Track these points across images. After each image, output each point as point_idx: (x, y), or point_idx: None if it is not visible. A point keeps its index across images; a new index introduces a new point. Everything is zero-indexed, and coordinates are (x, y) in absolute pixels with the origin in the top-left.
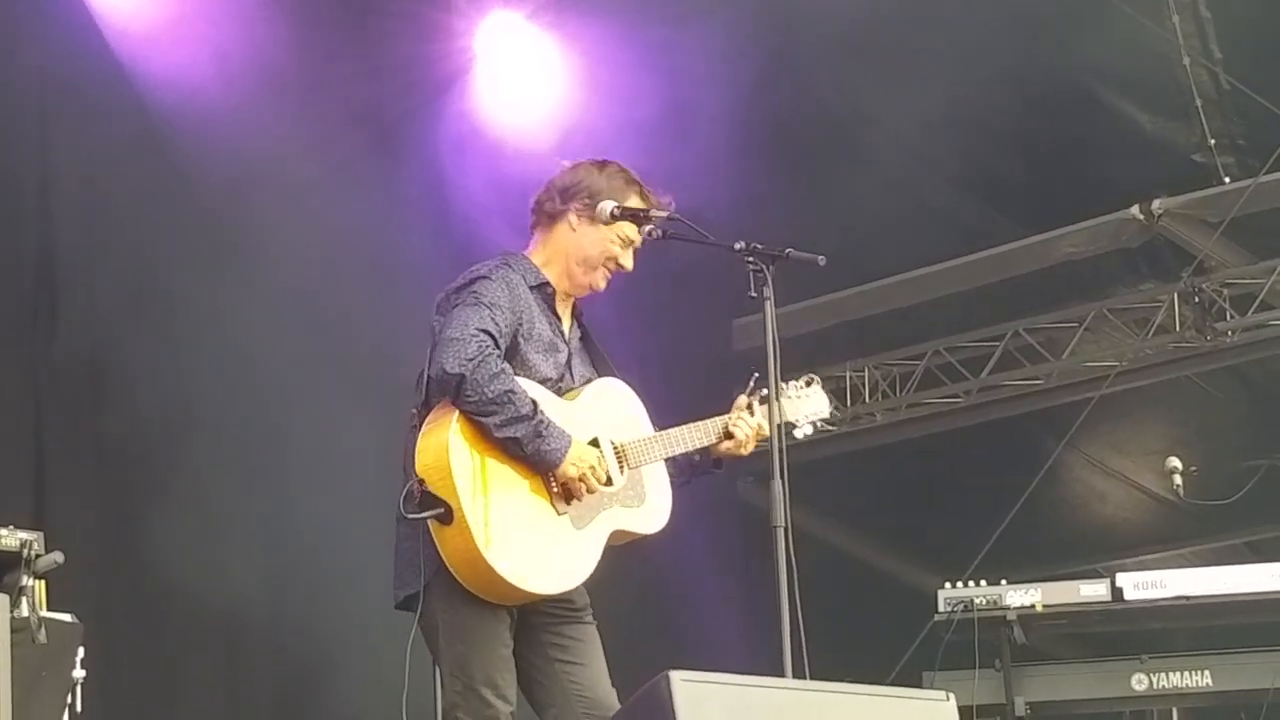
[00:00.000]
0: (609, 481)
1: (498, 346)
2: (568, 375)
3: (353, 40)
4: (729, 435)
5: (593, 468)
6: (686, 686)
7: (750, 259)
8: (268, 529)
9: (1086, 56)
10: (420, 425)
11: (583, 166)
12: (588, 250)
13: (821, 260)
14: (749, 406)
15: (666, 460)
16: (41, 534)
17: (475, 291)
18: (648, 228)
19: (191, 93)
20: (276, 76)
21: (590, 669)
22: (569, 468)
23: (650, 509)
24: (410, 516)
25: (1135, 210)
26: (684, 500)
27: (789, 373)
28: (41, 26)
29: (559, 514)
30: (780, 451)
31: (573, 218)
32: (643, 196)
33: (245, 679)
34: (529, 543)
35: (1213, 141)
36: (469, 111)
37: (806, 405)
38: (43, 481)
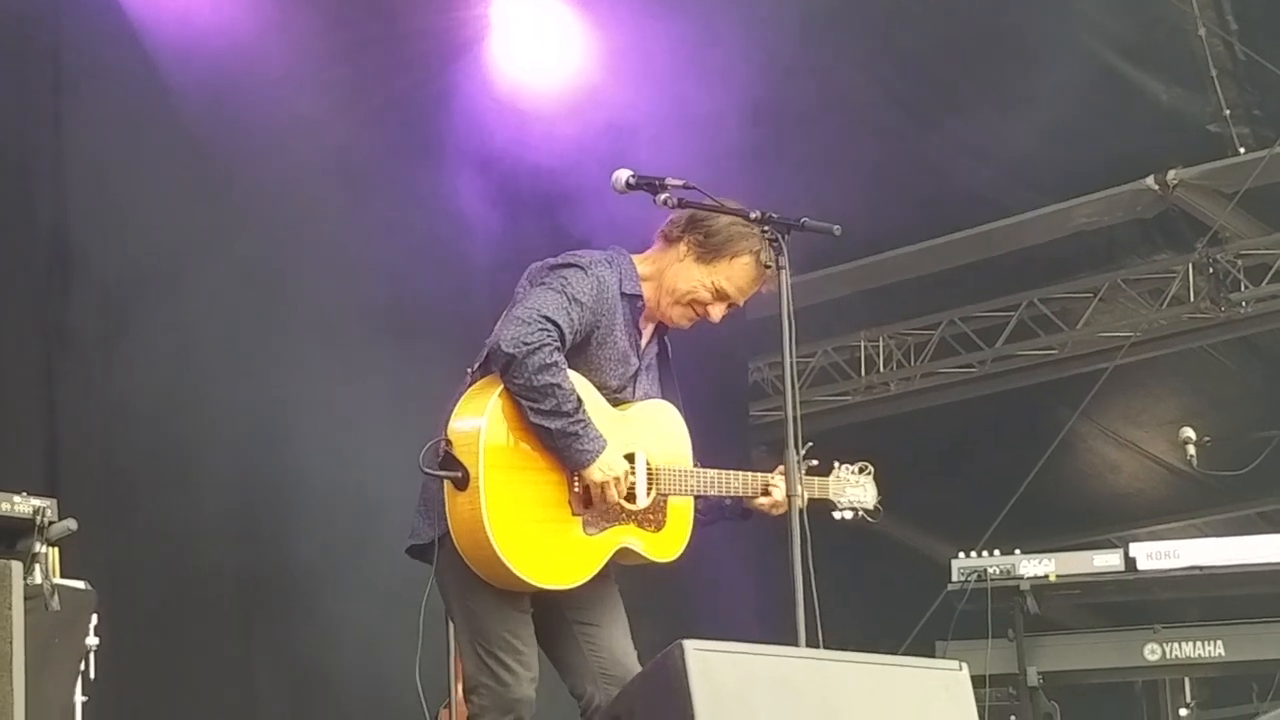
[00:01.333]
0: (632, 498)
1: (562, 339)
2: (630, 388)
3: (368, 7)
4: (765, 492)
5: (618, 479)
6: (700, 656)
7: (765, 228)
8: (282, 495)
9: (1103, 27)
10: (470, 385)
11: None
12: (679, 284)
13: (837, 230)
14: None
15: (696, 497)
16: (55, 501)
17: (565, 278)
18: (663, 196)
19: (207, 63)
20: (290, 45)
21: (607, 629)
22: (595, 471)
23: (665, 538)
24: (427, 472)
25: (1150, 180)
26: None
27: (801, 343)
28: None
29: (573, 514)
30: (794, 420)
31: (683, 248)
32: (757, 260)
33: (259, 645)
34: (534, 531)
35: (1228, 112)
36: (484, 79)
37: (853, 491)
38: (55, 449)
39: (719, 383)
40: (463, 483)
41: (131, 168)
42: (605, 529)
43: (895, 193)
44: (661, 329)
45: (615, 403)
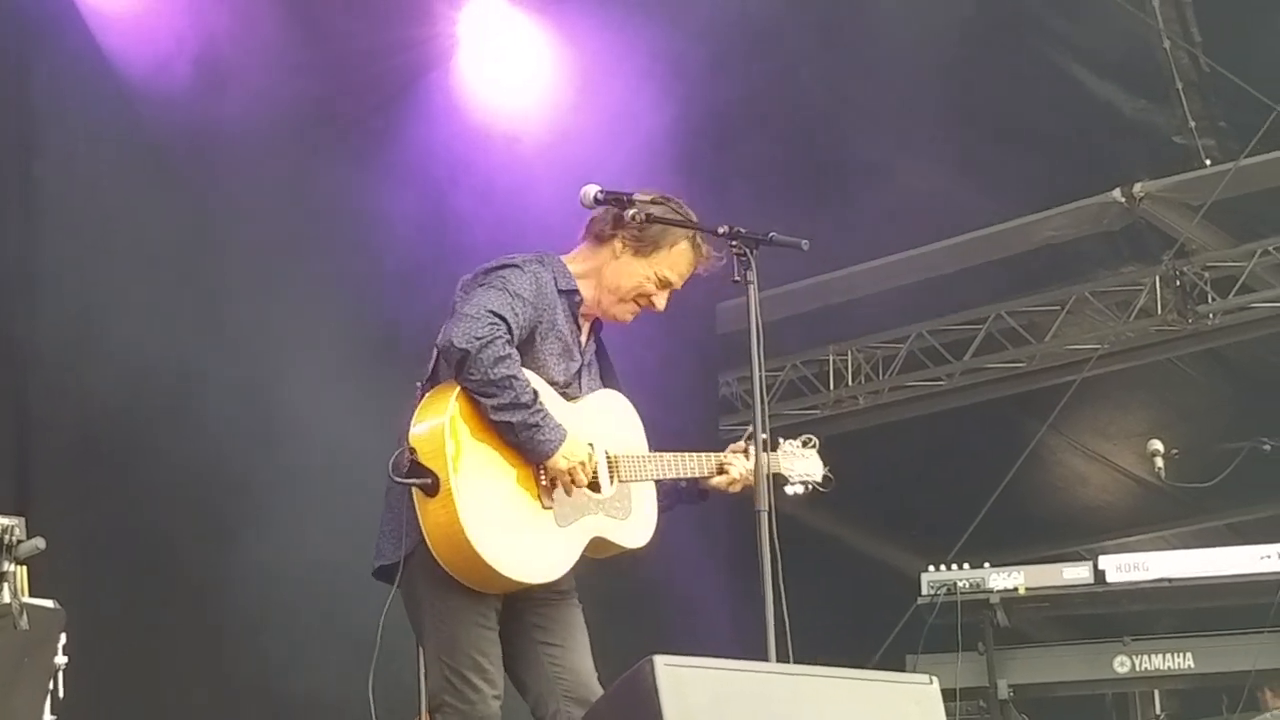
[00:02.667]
0: (597, 487)
1: (510, 334)
2: (576, 384)
3: (337, 22)
4: (721, 471)
5: (582, 464)
6: (670, 671)
7: (734, 242)
8: (255, 512)
9: (1069, 41)
10: (422, 398)
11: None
12: (622, 281)
13: (805, 244)
14: (745, 451)
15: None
16: (23, 519)
17: (503, 277)
18: (630, 211)
19: (173, 82)
20: (259, 59)
21: (572, 651)
22: (559, 460)
23: (634, 524)
24: (397, 480)
25: (1117, 193)
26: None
27: (770, 357)
28: (21, 9)
29: (544, 507)
30: (764, 435)
31: (618, 244)
32: (694, 244)
33: (230, 664)
34: (509, 527)
35: (1193, 124)
36: (452, 95)
37: (801, 465)
38: (25, 466)
39: (688, 397)
40: (433, 489)
41: (99, 185)
42: (577, 519)
43: (862, 206)
44: (597, 326)
45: (565, 398)
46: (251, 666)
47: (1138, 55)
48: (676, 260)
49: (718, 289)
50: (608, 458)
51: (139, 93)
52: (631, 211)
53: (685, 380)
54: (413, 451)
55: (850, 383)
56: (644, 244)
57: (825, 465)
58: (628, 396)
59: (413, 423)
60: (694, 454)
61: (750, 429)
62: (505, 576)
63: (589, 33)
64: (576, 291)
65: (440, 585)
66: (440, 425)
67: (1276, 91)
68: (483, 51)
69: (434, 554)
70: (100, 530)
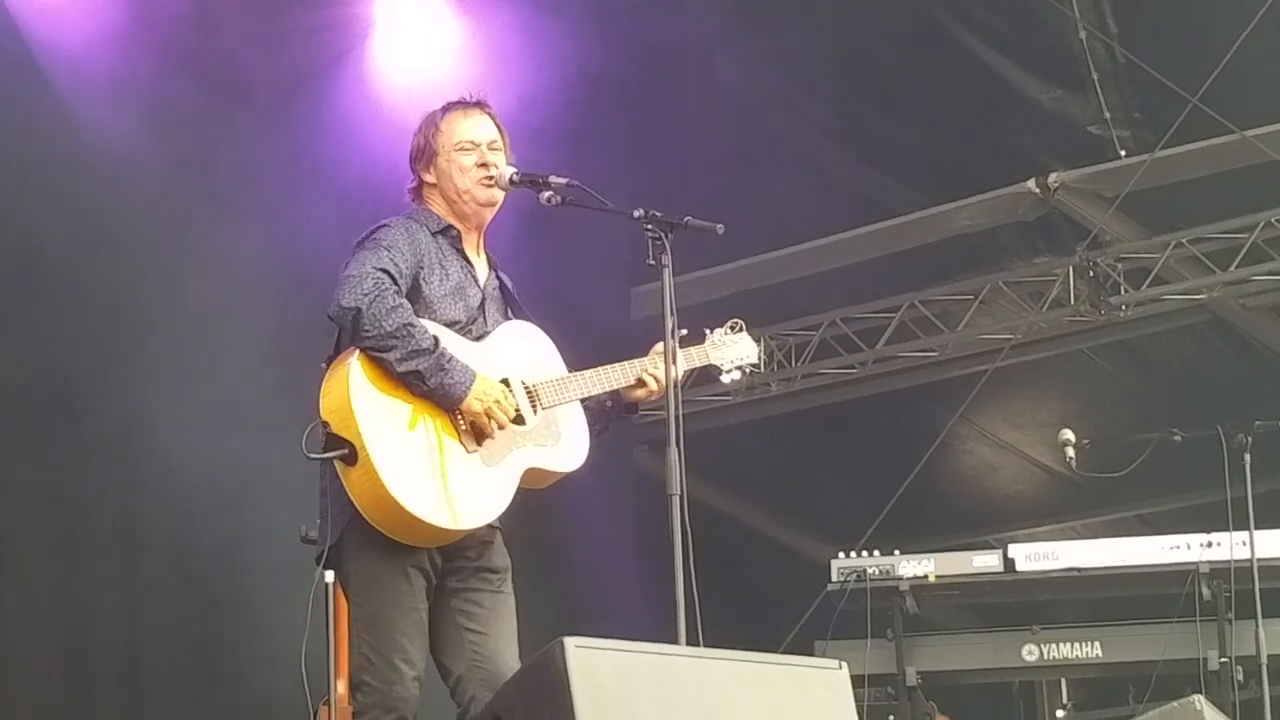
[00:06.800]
0: (520, 420)
1: (396, 284)
2: (480, 319)
3: (249, 6)
4: (642, 382)
5: (498, 401)
6: (580, 653)
7: (649, 226)
8: (175, 536)
9: (984, 28)
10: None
11: (414, 135)
12: (455, 182)
13: (720, 229)
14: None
15: (583, 406)
16: None
17: (375, 238)
18: (546, 194)
19: (91, 65)
20: (172, 45)
21: (495, 640)
22: (473, 402)
23: (566, 447)
24: (312, 456)
25: (1031, 184)
26: (581, 468)
27: (685, 340)
28: None
29: (469, 452)
30: (676, 419)
31: (428, 175)
32: (450, 110)
33: (143, 638)
34: (436, 479)
35: (1108, 115)
36: (366, 79)
37: (733, 350)
38: None
39: None
40: (351, 458)
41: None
42: (505, 456)
43: (777, 193)
44: (493, 264)
45: (470, 336)
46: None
47: (1054, 45)
48: (456, 131)
49: (633, 273)
50: (526, 387)
51: (59, 82)
52: (548, 194)
53: (596, 364)
54: (325, 425)
55: (763, 369)
56: (429, 151)
57: (758, 344)
58: (534, 323)
59: (321, 396)
60: (613, 365)
61: (661, 344)
62: (442, 528)
63: (501, 13)
64: (451, 227)
65: (369, 561)
66: (344, 392)
67: (1192, 83)
68: (396, 34)
69: (370, 520)
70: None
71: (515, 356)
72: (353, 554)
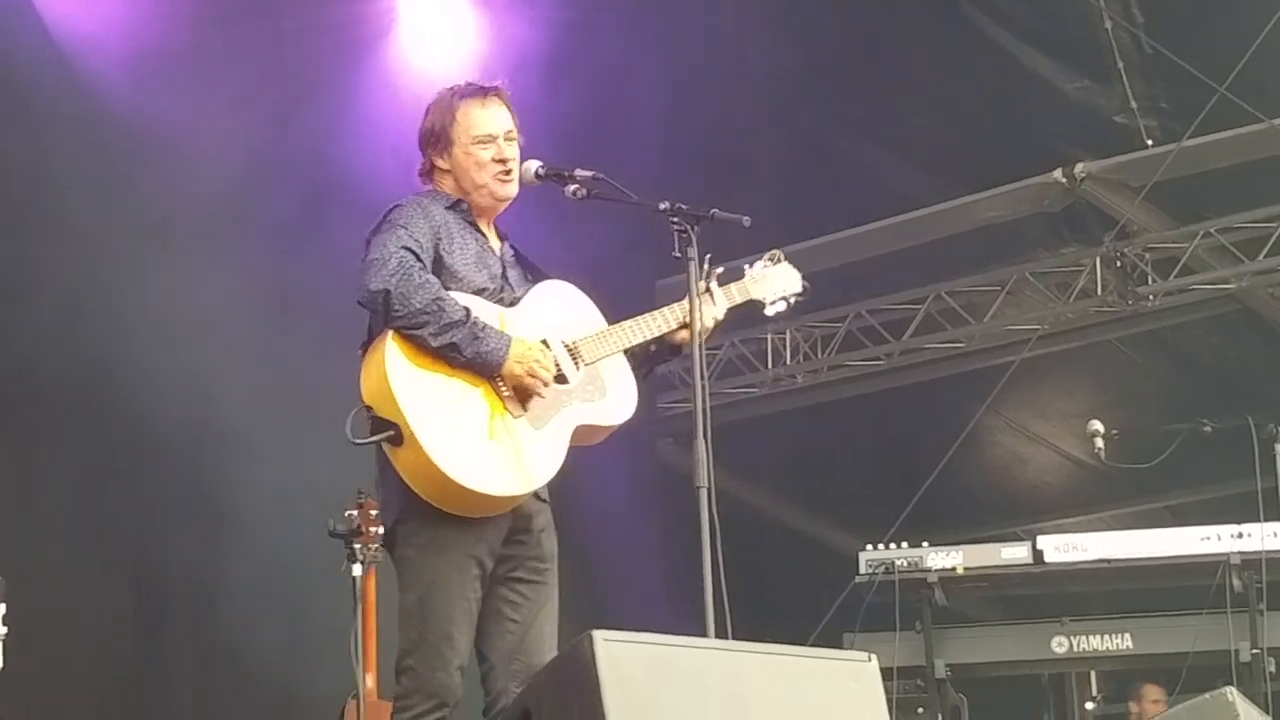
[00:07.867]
0: (563, 378)
1: (420, 260)
2: (506, 286)
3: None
4: (685, 325)
5: (537, 361)
6: (609, 646)
7: (674, 219)
8: (187, 482)
9: (1010, 19)
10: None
11: (425, 116)
12: (471, 175)
13: (746, 221)
14: (707, 291)
15: (627, 355)
16: None
17: (389, 219)
18: (572, 187)
19: (114, 59)
20: (198, 39)
21: (535, 633)
22: (513, 365)
23: (614, 400)
24: (358, 442)
25: (1058, 174)
26: (605, 462)
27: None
28: None
29: (515, 417)
30: (704, 412)
31: (441, 161)
32: (468, 98)
33: (166, 632)
34: (484, 447)
35: (1135, 105)
36: (390, 72)
37: (774, 284)
38: None
39: None
40: (398, 438)
41: (40, 170)
42: (552, 417)
43: (803, 185)
44: (502, 234)
45: (500, 302)
46: (192, 640)
47: (1080, 35)
48: (472, 122)
49: (657, 266)
50: (566, 346)
51: (82, 75)
52: (573, 187)
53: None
54: (369, 409)
55: (789, 362)
56: (443, 138)
57: (800, 272)
58: (564, 280)
59: (361, 381)
60: (653, 313)
61: (709, 257)
62: (497, 496)
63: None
64: (461, 201)
65: (423, 553)
66: (382, 373)
67: (1218, 72)
68: (420, 28)
69: (425, 498)
70: (37, 498)
71: (552, 316)
72: (408, 539)
